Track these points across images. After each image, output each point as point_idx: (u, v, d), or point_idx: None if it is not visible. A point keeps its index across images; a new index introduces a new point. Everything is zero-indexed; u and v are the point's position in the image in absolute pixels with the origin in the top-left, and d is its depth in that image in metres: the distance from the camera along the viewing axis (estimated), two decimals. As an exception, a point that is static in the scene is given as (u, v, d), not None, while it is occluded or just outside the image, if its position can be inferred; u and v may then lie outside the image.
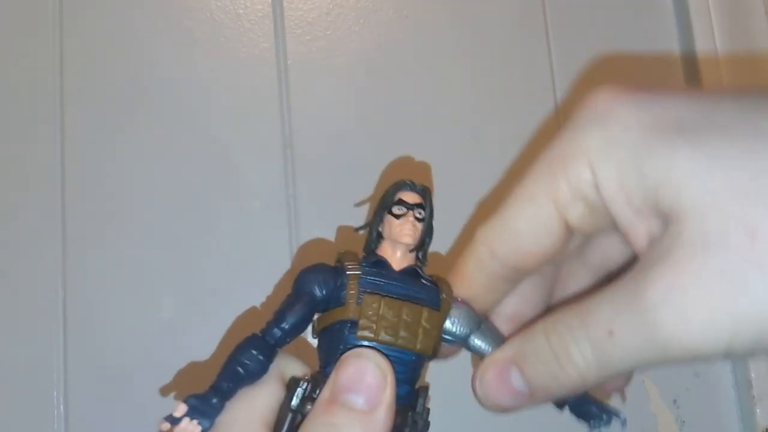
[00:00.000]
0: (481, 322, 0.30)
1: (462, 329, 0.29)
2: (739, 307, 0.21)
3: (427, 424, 0.28)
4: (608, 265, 0.31)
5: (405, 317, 0.27)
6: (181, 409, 0.25)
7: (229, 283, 0.57)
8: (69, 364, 0.55)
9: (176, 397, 0.49)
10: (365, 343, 0.27)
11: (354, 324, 0.27)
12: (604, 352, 0.24)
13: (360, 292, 0.28)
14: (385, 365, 0.26)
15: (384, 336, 0.27)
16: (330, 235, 0.58)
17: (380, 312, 0.27)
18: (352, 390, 0.26)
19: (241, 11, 0.61)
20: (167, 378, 0.53)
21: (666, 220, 0.23)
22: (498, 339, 0.29)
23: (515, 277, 0.29)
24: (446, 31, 0.63)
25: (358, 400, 0.25)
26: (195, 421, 0.25)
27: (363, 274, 0.28)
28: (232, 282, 0.57)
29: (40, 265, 0.56)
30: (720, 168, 0.22)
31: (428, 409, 0.28)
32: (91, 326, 0.55)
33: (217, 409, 0.25)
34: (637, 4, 0.66)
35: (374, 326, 0.27)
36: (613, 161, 0.24)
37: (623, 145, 0.24)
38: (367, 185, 0.57)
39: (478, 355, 0.29)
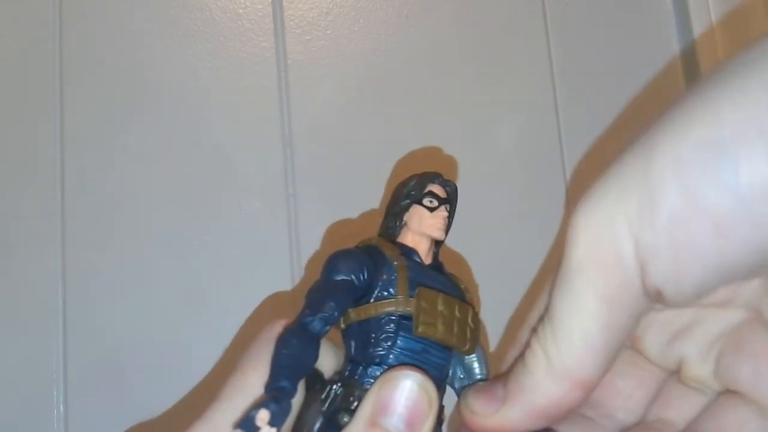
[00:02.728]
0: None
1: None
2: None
3: (441, 422, 0.26)
4: None
5: (457, 314, 0.25)
6: (264, 417, 0.22)
7: (229, 283, 0.57)
8: (69, 363, 0.55)
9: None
10: (415, 340, 0.25)
11: (405, 318, 0.25)
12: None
13: (411, 283, 0.25)
14: (431, 390, 0.24)
15: (443, 333, 0.25)
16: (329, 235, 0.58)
17: (438, 308, 0.25)
18: (395, 414, 0.24)
19: (241, 11, 0.61)
20: (167, 378, 0.53)
21: None
22: (487, 364, 0.27)
23: None
24: (446, 31, 0.63)
25: (401, 426, 0.24)
26: (275, 429, 0.22)
27: (410, 265, 0.26)
28: (232, 282, 0.57)
29: (40, 265, 0.56)
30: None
31: (443, 406, 0.26)
32: (91, 326, 0.55)
33: (288, 412, 0.23)
34: (637, 4, 0.66)
35: (434, 322, 0.25)
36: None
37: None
38: (367, 185, 0.57)
39: (466, 370, 0.28)
